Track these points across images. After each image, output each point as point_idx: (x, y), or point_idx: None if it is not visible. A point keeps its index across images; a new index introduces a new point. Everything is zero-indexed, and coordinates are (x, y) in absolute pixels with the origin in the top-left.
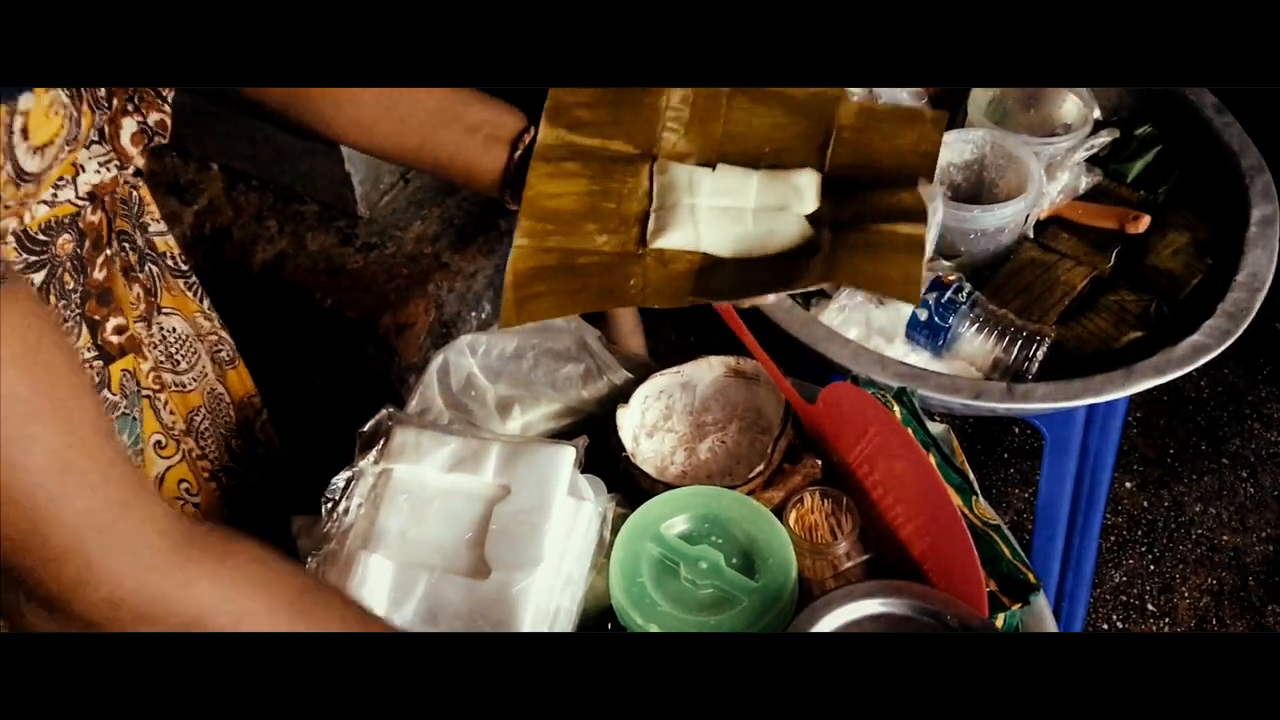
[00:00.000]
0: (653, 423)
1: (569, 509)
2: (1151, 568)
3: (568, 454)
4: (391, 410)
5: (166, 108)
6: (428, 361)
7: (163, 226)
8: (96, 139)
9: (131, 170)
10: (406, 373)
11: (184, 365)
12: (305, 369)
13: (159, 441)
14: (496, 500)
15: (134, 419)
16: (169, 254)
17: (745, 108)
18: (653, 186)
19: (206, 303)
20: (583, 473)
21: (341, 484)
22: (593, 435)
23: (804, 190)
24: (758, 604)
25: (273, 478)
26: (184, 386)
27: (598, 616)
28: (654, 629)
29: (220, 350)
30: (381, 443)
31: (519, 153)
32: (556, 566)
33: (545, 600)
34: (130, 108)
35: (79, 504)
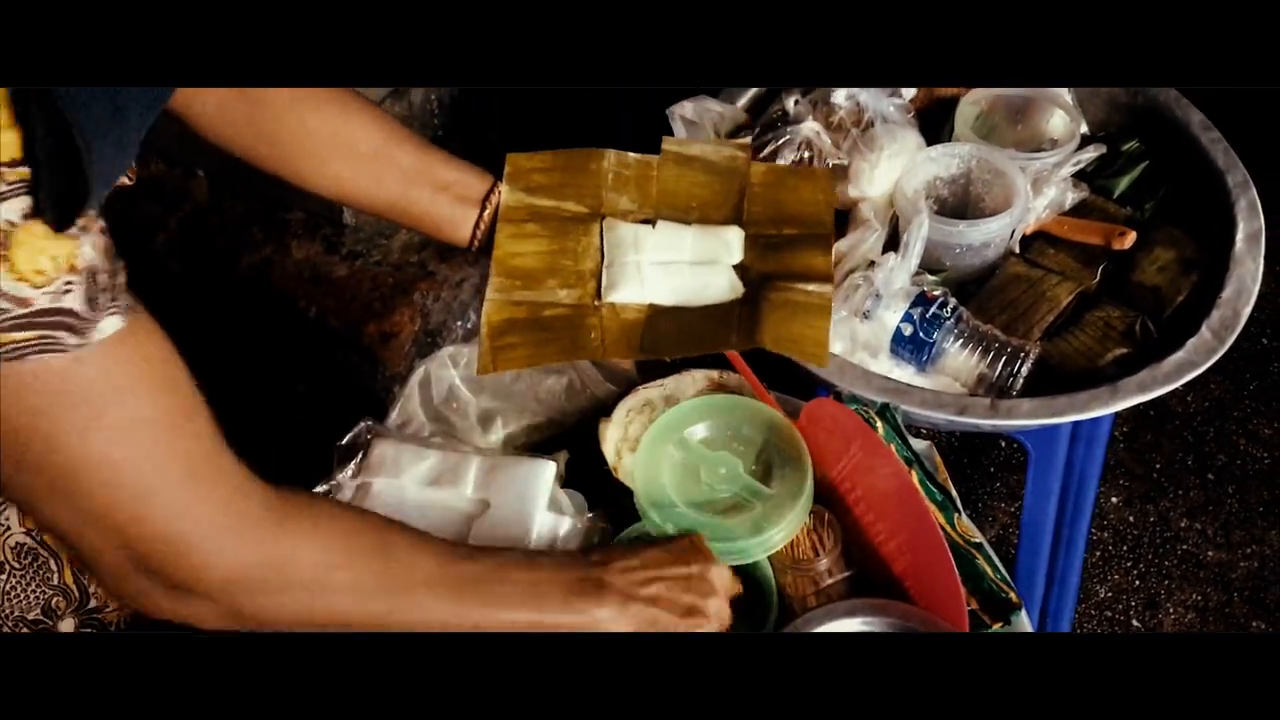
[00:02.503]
0: (635, 436)
1: (549, 524)
2: (1137, 583)
3: (548, 468)
4: (370, 423)
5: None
6: (412, 371)
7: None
8: None
9: None
10: (391, 382)
11: None
12: (289, 378)
13: None
14: (476, 515)
15: None
16: None
17: (672, 171)
18: (603, 243)
19: None
20: (564, 487)
21: None
22: (575, 449)
23: (731, 244)
24: (772, 509)
25: None
26: None
27: None
28: (671, 528)
29: None
30: (360, 456)
31: (487, 212)
32: None
33: None
34: None
35: (202, 506)
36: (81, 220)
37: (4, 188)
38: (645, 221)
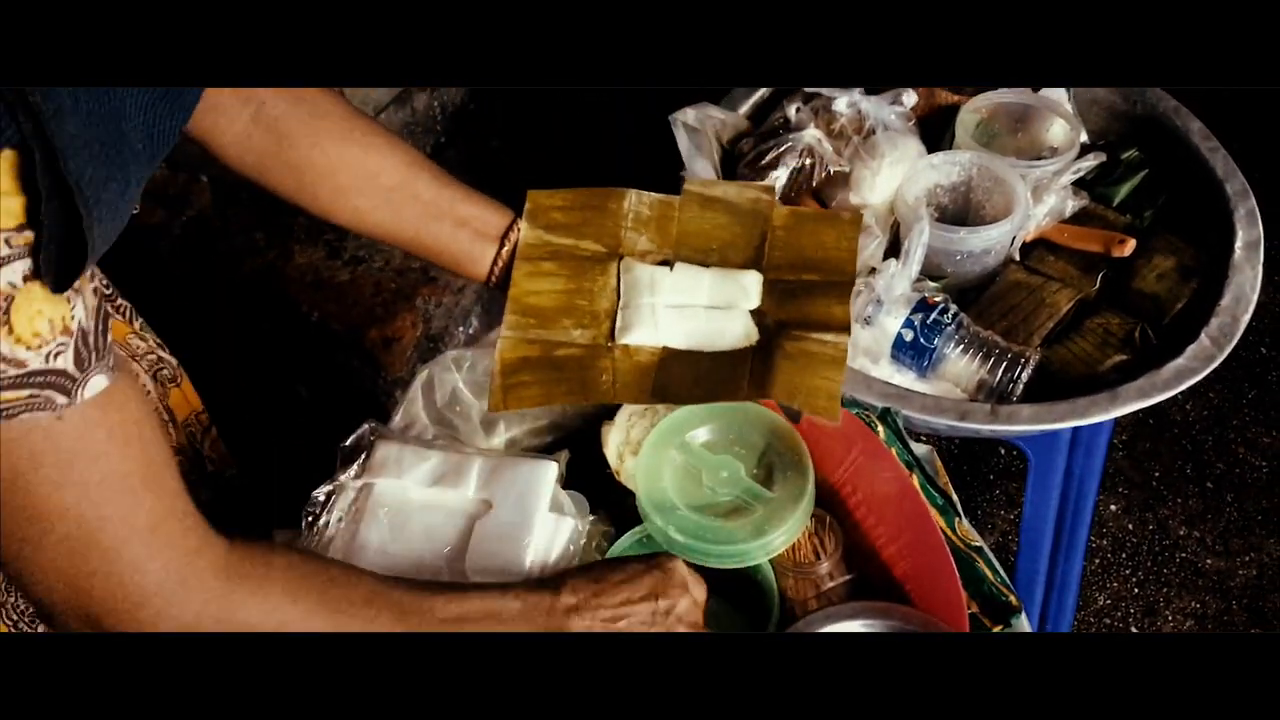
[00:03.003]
0: (638, 439)
1: (550, 524)
2: (1135, 591)
3: (549, 469)
4: (373, 424)
5: None
6: (414, 376)
7: None
8: None
9: None
10: (393, 386)
11: None
12: (292, 382)
13: None
14: (478, 515)
15: None
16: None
17: (693, 212)
18: (619, 284)
19: (139, 323)
20: (565, 488)
21: (322, 498)
22: (577, 451)
23: (749, 289)
24: (774, 513)
25: (224, 495)
26: None
27: None
28: (673, 530)
29: (162, 369)
30: (363, 457)
31: (506, 248)
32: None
33: None
34: None
35: (160, 561)
36: (76, 281)
37: (8, 251)
38: (663, 263)
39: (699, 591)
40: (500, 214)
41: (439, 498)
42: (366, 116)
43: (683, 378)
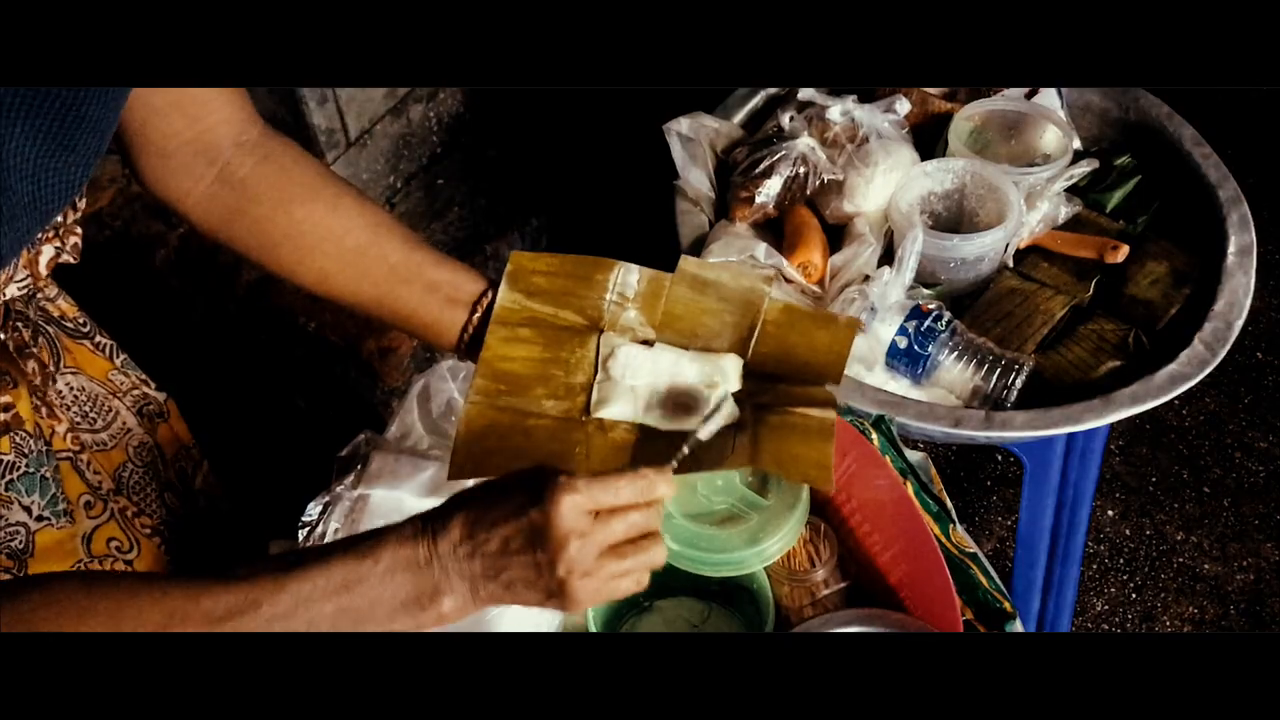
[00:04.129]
0: None
1: None
2: (1133, 596)
3: None
4: (369, 435)
5: (79, 230)
6: (410, 386)
7: (53, 292)
8: (22, 267)
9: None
10: (389, 396)
11: (100, 424)
12: (289, 393)
13: (88, 502)
14: None
15: (45, 478)
16: (65, 317)
17: (684, 293)
18: (598, 358)
19: (121, 359)
20: None
21: (318, 509)
22: None
23: (729, 371)
24: (769, 520)
25: (216, 530)
26: (104, 445)
27: None
28: (668, 539)
29: (148, 404)
30: (359, 467)
31: (477, 315)
32: None
33: (523, 624)
34: (53, 233)
35: None
36: None
37: None
38: (645, 342)
39: (588, 527)
40: (473, 280)
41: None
42: (335, 176)
43: (661, 457)
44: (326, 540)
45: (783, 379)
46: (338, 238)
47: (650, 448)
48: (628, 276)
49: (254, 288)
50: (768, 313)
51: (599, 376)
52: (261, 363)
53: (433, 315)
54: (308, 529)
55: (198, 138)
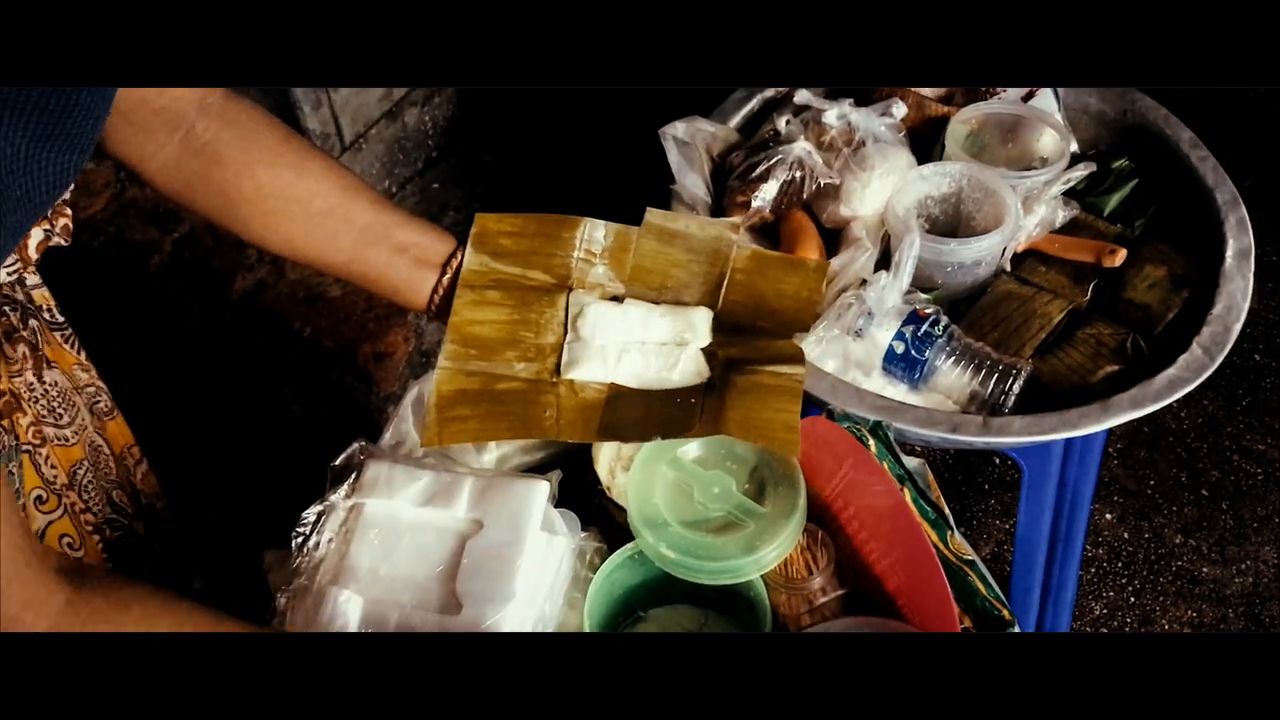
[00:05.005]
0: (629, 455)
1: (542, 544)
2: (1132, 600)
3: (541, 488)
4: (363, 444)
5: (68, 211)
6: (405, 392)
7: (38, 279)
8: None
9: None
10: (385, 402)
11: (65, 419)
12: (284, 399)
13: (39, 496)
14: (469, 535)
15: (11, 473)
16: (45, 306)
17: (651, 245)
18: (567, 317)
19: (84, 354)
20: (556, 507)
21: (312, 518)
22: (569, 468)
23: (698, 326)
24: (765, 528)
25: (159, 529)
26: (66, 440)
27: None
28: (664, 547)
29: (98, 401)
30: (353, 477)
31: (447, 276)
32: (529, 602)
33: (523, 624)
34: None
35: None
36: None
37: None
38: (614, 298)
39: None
40: (442, 240)
41: (430, 517)
42: (301, 139)
43: (631, 416)
44: (319, 550)
45: (754, 330)
46: (304, 201)
47: (621, 406)
48: (594, 232)
49: (248, 293)
50: (736, 260)
51: (569, 337)
52: (256, 368)
53: (401, 277)
54: (301, 538)
55: (165, 106)
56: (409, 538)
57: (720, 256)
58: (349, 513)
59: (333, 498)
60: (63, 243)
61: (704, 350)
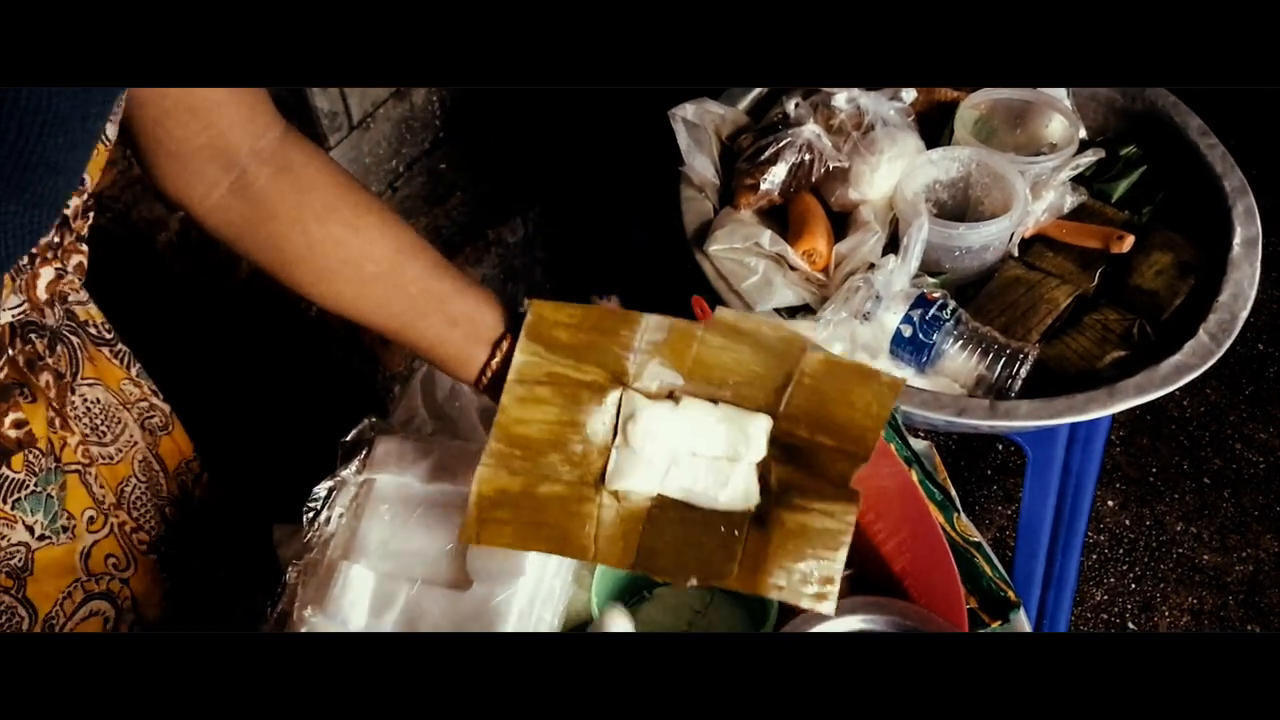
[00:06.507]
0: None
1: None
2: (1133, 586)
3: None
4: (374, 420)
5: (84, 248)
6: (412, 371)
7: (84, 296)
8: (12, 293)
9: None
10: (391, 382)
11: (109, 436)
12: (292, 378)
13: (91, 517)
14: None
15: (50, 496)
16: (91, 323)
17: (717, 341)
18: (618, 419)
19: (136, 369)
20: None
21: (323, 493)
22: None
23: (754, 438)
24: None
25: (217, 543)
26: (111, 458)
27: (578, 630)
28: None
29: (152, 417)
30: (364, 452)
31: (498, 357)
32: (538, 579)
33: (526, 613)
34: (50, 255)
35: None
36: None
37: None
38: (670, 395)
39: None
40: (493, 314)
41: (440, 493)
42: (360, 190)
43: (671, 542)
44: (330, 525)
45: (812, 447)
46: (356, 263)
47: (663, 526)
48: (657, 326)
49: (257, 272)
50: (806, 363)
51: (617, 441)
52: (264, 348)
53: (451, 354)
54: (312, 513)
55: (211, 142)
56: (420, 513)
57: (789, 359)
58: (360, 488)
59: (344, 473)
60: (77, 280)
61: (759, 463)
